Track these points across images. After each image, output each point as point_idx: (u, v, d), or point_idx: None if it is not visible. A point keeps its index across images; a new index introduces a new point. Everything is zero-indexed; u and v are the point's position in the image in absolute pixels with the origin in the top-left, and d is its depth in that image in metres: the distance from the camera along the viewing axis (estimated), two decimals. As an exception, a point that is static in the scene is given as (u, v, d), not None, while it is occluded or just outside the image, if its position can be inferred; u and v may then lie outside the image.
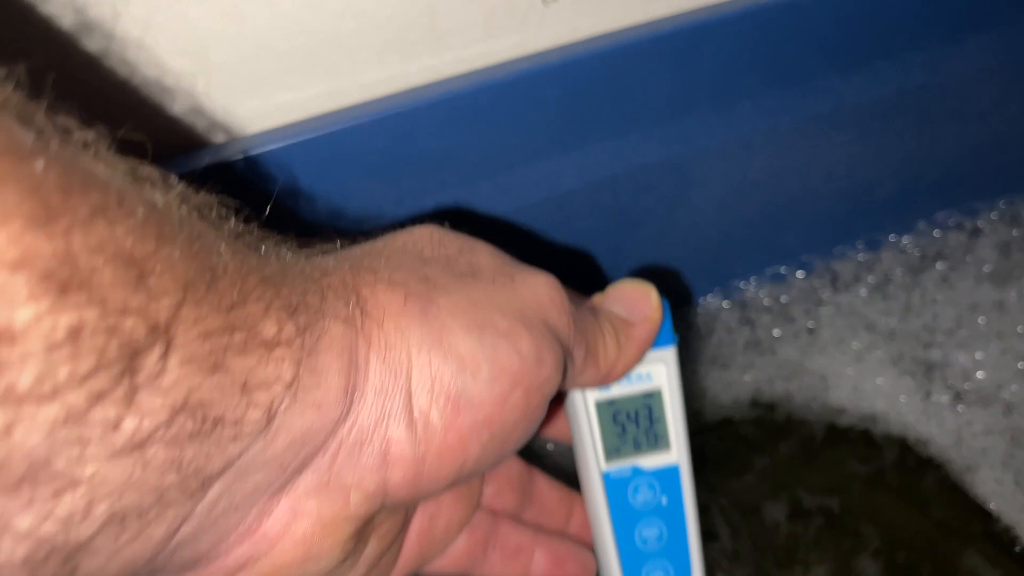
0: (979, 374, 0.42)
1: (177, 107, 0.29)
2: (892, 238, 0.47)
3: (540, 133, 0.35)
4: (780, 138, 0.40)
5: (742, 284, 0.46)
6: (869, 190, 0.45)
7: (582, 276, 0.29)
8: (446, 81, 0.33)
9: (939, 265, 0.46)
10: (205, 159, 0.28)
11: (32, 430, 0.14)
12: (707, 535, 0.33)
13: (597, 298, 0.28)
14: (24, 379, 0.13)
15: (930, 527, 0.38)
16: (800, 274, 0.46)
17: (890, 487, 0.40)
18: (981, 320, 0.44)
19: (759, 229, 0.44)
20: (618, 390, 0.29)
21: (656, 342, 0.28)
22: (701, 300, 0.46)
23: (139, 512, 0.16)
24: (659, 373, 0.29)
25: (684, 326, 0.45)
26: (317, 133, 0.31)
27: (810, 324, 0.45)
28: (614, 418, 0.30)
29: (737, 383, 0.43)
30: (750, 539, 0.39)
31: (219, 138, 0.31)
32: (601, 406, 0.29)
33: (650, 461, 0.30)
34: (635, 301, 0.27)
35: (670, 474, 0.30)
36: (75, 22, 0.25)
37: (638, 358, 0.27)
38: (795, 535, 0.39)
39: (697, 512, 0.30)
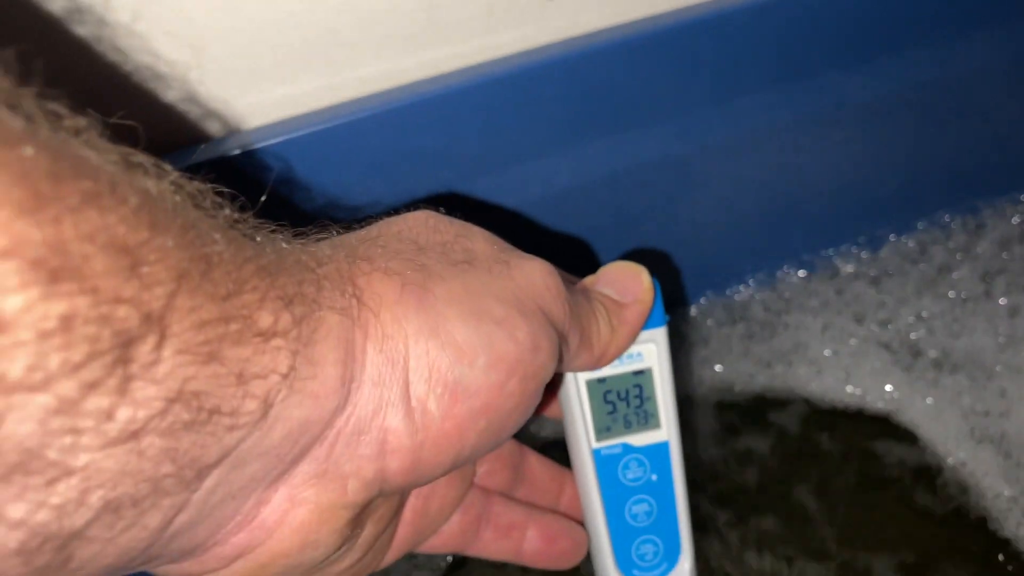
0: (959, 347, 0.43)
1: (172, 101, 0.28)
2: (894, 235, 0.47)
3: (539, 129, 0.34)
4: (782, 135, 0.39)
5: (742, 281, 0.46)
6: (871, 187, 0.45)
7: (580, 274, 0.30)
8: (445, 76, 0.32)
9: (940, 259, 0.46)
10: (201, 154, 0.28)
11: (24, 419, 0.14)
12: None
13: (589, 280, 0.28)
14: (15, 368, 0.13)
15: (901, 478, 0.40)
16: (801, 272, 0.46)
17: (874, 457, 0.41)
18: (970, 306, 0.45)
19: (760, 226, 0.44)
20: (609, 369, 0.30)
21: (647, 323, 0.29)
22: (700, 297, 0.46)
23: (134, 501, 0.16)
24: (650, 352, 0.30)
25: (683, 322, 0.45)
26: (315, 128, 0.30)
27: (806, 318, 0.45)
28: (604, 397, 0.30)
29: (734, 374, 0.44)
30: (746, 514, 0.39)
31: (215, 133, 0.30)
32: (592, 385, 0.30)
33: (640, 439, 0.30)
34: (627, 283, 0.28)
35: (660, 451, 0.30)
36: (65, 7, 0.24)
37: (631, 340, 0.27)
38: (791, 504, 0.39)
39: (686, 488, 0.30)
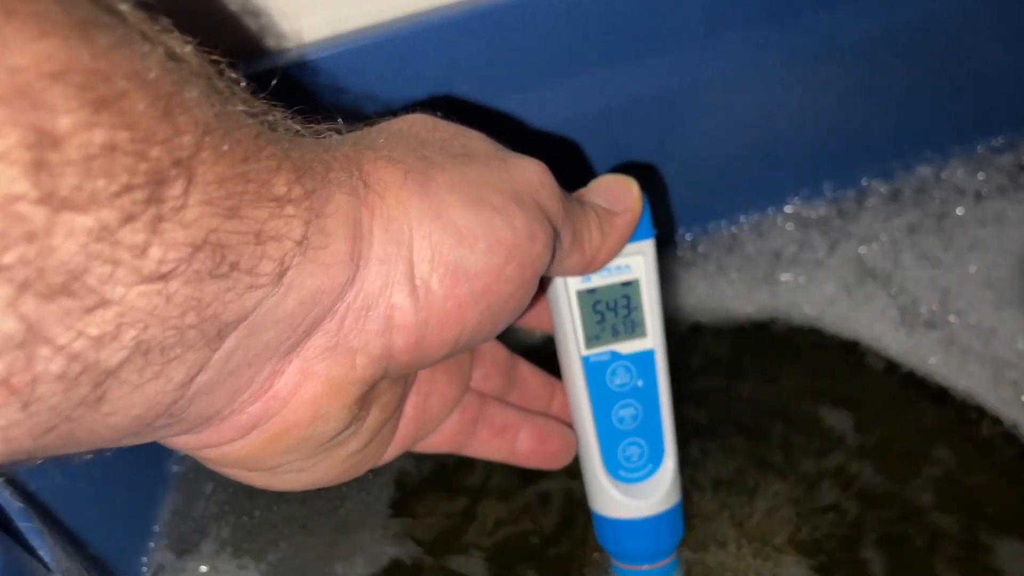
0: (938, 289, 0.45)
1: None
2: (881, 175, 0.48)
3: (534, 61, 0.35)
4: (771, 72, 0.40)
5: (729, 219, 0.47)
6: (858, 128, 0.45)
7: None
8: (441, 8, 0.33)
9: (926, 199, 0.47)
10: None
11: (69, 238, 0.14)
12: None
13: (581, 191, 0.30)
14: (65, 184, 0.14)
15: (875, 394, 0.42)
16: (788, 209, 0.47)
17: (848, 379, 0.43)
18: (962, 235, 0.46)
19: (747, 165, 0.45)
20: (598, 280, 0.31)
21: (635, 235, 0.30)
22: (687, 233, 0.47)
23: (162, 348, 0.17)
24: (637, 264, 0.31)
25: (670, 256, 0.47)
26: (316, 57, 0.31)
27: (791, 255, 0.46)
28: (594, 307, 0.31)
29: (721, 308, 0.45)
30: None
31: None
32: (582, 295, 0.31)
33: (627, 347, 0.32)
34: (617, 193, 0.29)
35: (646, 358, 0.32)
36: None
37: (620, 247, 0.29)
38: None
39: (671, 394, 0.32)
